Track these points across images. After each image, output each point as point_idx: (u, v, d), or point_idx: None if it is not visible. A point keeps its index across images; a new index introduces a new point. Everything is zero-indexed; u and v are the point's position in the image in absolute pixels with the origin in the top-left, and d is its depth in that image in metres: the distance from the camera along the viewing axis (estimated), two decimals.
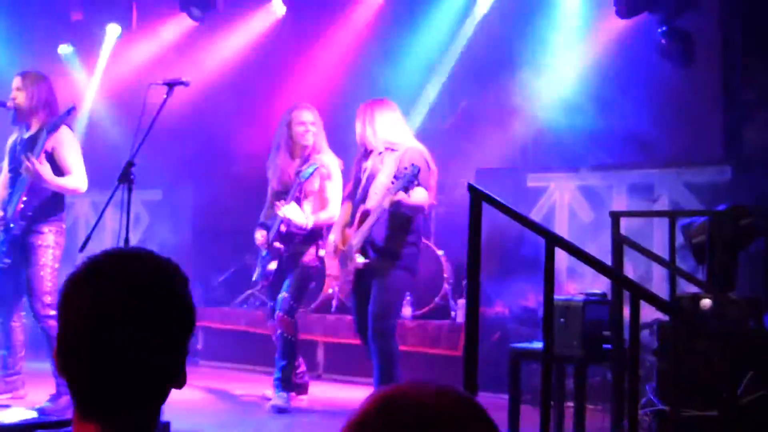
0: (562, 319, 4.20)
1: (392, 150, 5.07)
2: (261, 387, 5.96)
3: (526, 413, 4.23)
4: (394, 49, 7.60)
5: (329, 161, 5.55)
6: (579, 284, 6.17)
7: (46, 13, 8.45)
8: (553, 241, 2.91)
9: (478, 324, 3.08)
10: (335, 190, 5.53)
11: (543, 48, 6.97)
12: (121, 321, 1.36)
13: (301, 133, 5.49)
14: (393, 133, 5.11)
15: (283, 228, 5.48)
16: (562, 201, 6.82)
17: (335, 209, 5.48)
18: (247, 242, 6.20)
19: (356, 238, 5.03)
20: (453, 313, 6.81)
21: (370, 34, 7.81)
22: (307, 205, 5.54)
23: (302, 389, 5.82)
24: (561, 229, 6.52)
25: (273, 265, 5.59)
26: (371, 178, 5.12)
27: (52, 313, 5.18)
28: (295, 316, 5.52)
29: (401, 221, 5.00)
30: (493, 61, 7.19)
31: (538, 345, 4.42)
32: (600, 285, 5.08)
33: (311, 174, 5.36)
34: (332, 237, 5.50)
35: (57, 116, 5.23)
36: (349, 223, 5.25)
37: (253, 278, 5.91)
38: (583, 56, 6.85)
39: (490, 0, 7.38)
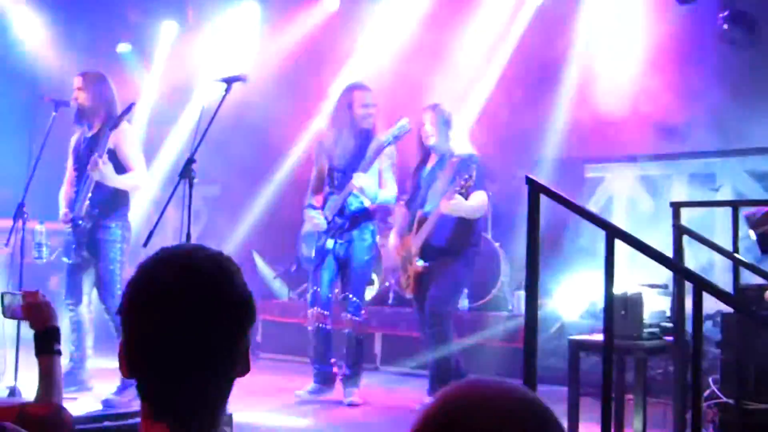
0: (623, 311, 4.15)
1: (452, 156, 5.18)
2: None
3: (585, 405, 4.19)
4: (446, 41, 7.56)
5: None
6: (639, 275, 6.07)
7: (104, 14, 8.62)
8: (614, 232, 2.87)
9: (537, 316, 3.06)
10: (393, 174, 5.46)
11: (601, 37, 6.88)
12: (186, 318, 1.39)
13: (363, 115, 5.38)
14: (453, 140, 5.27)
15: (350, 204, 5.35)
16: (621, 191, 6.73)
17: (394, 191, 5.44)
18: None
19: (416, 243, 5.18)
20: (510, 305, 6.80)
21: (422, 27, 7.77)
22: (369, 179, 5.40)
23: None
24: (619, 219, 6.44)
25: (330, 244, 5.42)
26: (430, 183, 5.26)
27: None
28: (362, 314, 5.44)
29: (462, 224, 5.12)
30: (550, 51, 7.11)
31: (598, 337, 4.38)
32: (661, 276, 5.01)
33: (397, 137, 5.20)
34: (391, 241, 5.57)
35: (117, 114, 5.34)
36: (408, 229, 5.37)
37: (304, 258, 5.68)
38: (642, 44, 6.73)
39: None
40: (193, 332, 1.39)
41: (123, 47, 9.18)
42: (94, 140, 5.39)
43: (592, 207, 6.47)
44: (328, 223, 5.35)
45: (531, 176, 3.07)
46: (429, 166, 5.34)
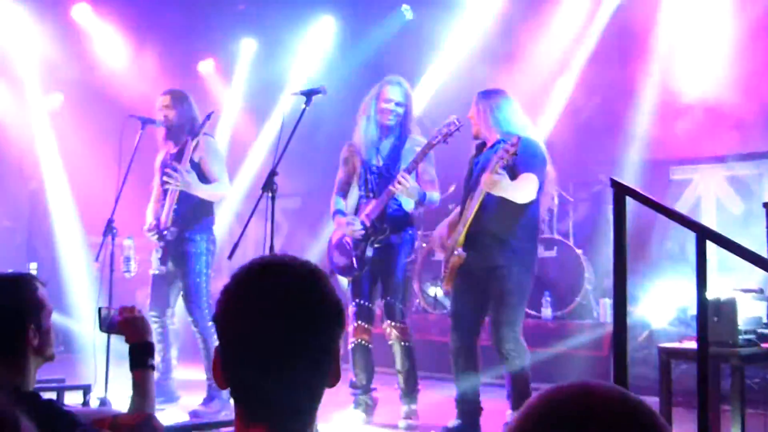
0: (715, 317, 4.00)
1: (506, 141, 4.41)
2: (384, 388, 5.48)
3: (677, 416, 4.06)
4: (524, 44, 7.48)
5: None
6: (732, 279, 5.86)
7: (185, 32, 8.82)
8: (705, 234, 2.77)
9: (627, 323, 2.97)
10: (433, 174, 5.04)
11: (684, 33, 6.69)
12: (281, 323, 1.41)
13: (383, 110, 5.01)
14: (509, 124, 4.59)
15: (389, 207, 4.94)
16: (709, 193, 6.52)
17: (438, 192, 5.05)
18: None
19: (459, 230, 4.54)
20: (595, 313, 6.65)
21: (497, 31, 7.71)
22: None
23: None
24: (708, 222, 6.24)
25: (369, 252, 4.97)
26: (483, 168, 4.55)
27: (208, 317, 5.39)
28: (406, 321, 5.03)
29: (509, 207, 4.42)
30: (629, 52, 6.96)
31: (690, 344, 4.23)
32: (754, 280, 4.83)
33: (447, 135, 4.71)
34: (437, 232, 5.00)
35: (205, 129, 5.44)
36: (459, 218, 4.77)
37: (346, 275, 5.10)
38: (728, 39, 6.51)
39: None
40: (288, 337, 1.41)
41: (204, 65, 9.38)
42: (179, 155, 5.47)
43: (680, 210, 6.27)
44: (367, 228, 4.95)
45: (615, 178, 2.98)
46: (482, 155, 4.68)
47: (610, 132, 7.09)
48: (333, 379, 1.48)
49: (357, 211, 5.07)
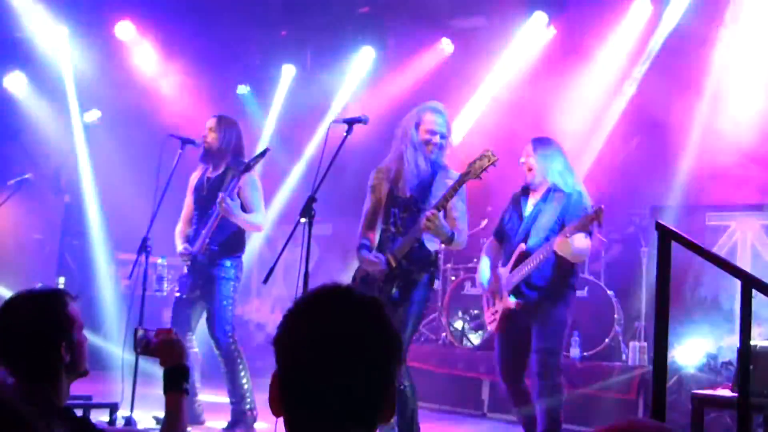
0: (750, 366, 3.95)
1: (557, 191, 4.86)
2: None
3: None
4: (564, 84, 7.50)
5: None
6: (764, 329, 5.80)
7: (226, 56, 8.93)
8: (750, 283, 2.74)
9: (666, 366, 2.94)
10: (463, 209, 4.73)
11: (727, 78, 6.67)
12: (342, 354, 1.43)
13: (425, 141, 4.68)
14: (561, 174, 4.89)
15: (418, 242, 4.59)
16: (745, 240, 6.46)
17: (464, 236, 4.73)
18: None
19: (513, 278, 4.86)
20: (624, 356, 6.58)
21: (539, 70, 7.74)
22: None
23: None
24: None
25: (396, 293, 4.64)
26: (534, 218, 4.91)
27: (233, 341, 5.40)
28: (404, 360, 4.57)
29: (565, 265, 4.82)
30: (672, 93, 6.94)
31: (723, 392, 4.18)
32: None
33: (480, 171, 4.42)
34: (484, 275, 5.14)
35: (248, 157, 5.50)
36: (504, 263, 5.00)
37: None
38: (762, 84, 6.47)
39: (664, 33, 7.16)
40: (348, 367, 1.42)
41: (242, 89, 9.49)
42: (220, 181, 5.55)
43: None
44: (393, 269, 4.60)
45: (661, 222, 2.96)
46: (532, 199, 4.97)
47: (647, 173, 7.06)
48: (388, 413, 1.48)
49: (380, 246, 4.77)
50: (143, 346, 2.56)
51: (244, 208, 5.51)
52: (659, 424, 1.09)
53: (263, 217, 5.67)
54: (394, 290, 4.61)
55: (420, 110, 4.74)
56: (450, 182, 4.59)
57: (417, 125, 4.68)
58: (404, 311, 4.57)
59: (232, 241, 5.55)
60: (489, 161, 4.39)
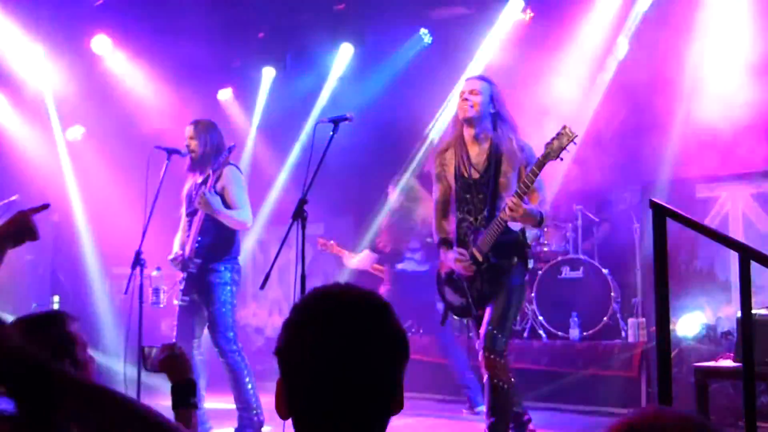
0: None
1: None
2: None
3: None
4: (546, 67, 7.49)
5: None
6: (761, 297, 5.83)
7: (205, 63, 8.88)
8: (748, 254, 2.75)
9: (670, 342, 2.94)
10: (542, 183, 4.44)
11: (708, 50, 6.67)
12: (345, 354, 1.42)
13: (460, 107, 4.53)
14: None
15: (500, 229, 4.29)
16: (736, 211, 6.49)
17: (548, 204, 4.51)
18: None
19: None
20: (623, 333, 6.61)
21: (519, 55, 7.72)
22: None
23: None
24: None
25: (487, 289, 4.43)
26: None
27: (235, 347, 5.38)
28: (506, 355, 4.36)
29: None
30: (654, 67, 6.95)
31: (725, 363, 4.21)
32: None
33: (561, 151, 4.04)
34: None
35: (233, 155, 5.46)
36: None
37: (459, 314, 4.64)
38: (752, 54, 6.46)
39: (645, 3, 7.16)
40: (352, 368, 1.42)
41: (224, 94, 9.46)
42: (204, 184, 5.50)
43: None
44: (480, 264, 4.40)
45: (655, 200, 2.96)
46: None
47: (634, 150, 7.07)
48: (397, 407, 1.48)
49: (459, 239, 4.51)
50: (151, 364, 2.56)
51: (229, 207, 5.46)
52: (685, 414, 1.10)
53: (248, 214, 5.55)
54: (484, 286, 4.40)
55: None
56: (519, 153, 4.38)
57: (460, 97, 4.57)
58: (501, 303, 4.33)
59: (222, 243, 5.50)
60: (568, 139, 4.01)
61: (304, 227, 4.20)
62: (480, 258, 4.40)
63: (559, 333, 6.77)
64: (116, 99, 8.92)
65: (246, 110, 9.52)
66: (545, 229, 7.33)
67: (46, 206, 2.77)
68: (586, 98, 7.48)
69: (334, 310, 1.45)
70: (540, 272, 7.04)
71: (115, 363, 7.47)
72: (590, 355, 6.45)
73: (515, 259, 4.39)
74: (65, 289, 9.01)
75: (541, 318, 6.91)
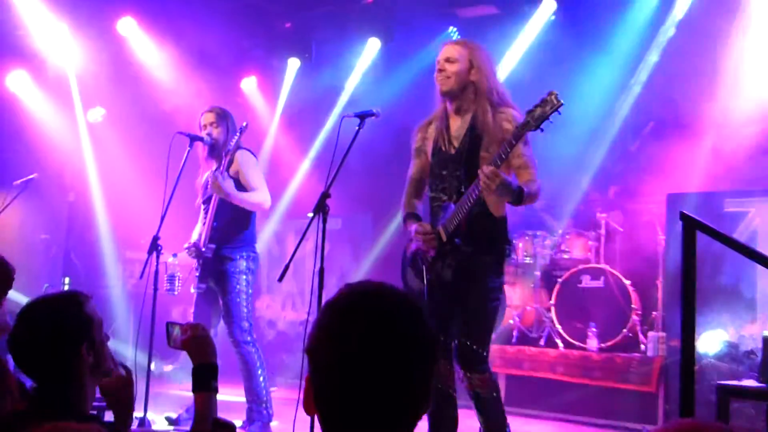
0: None
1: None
2: None
3: None
4: (575, 70, 7.44)
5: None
6: None
7: (229, 51, 8.89)
8: None
9: (694, 358, 2.92)
10: (529, 155, 4.05)
11: (736, 61, 6.62)
12: (379, 355, 1.41)
13: (436, 75, 4.14)
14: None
15: (474, 212, 3.88)
16: (765, 226, 6.42)
17: (537, 185, 3.97)
18: None
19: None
20: (642, 347, 6.56)
21: (549, 57, 7.68)
22: None
23: None
24: None
25: (447, 275, 4.00)
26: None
27: (249, 338, 5.38)
28: (488, 369, 3.93)
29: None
30: (684, 78, 6.89)
31: (749, 383, 4.16)
32: None
33: (543, 121, 3.61)
34: None
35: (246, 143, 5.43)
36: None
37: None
38: None
39: (679, 13, 7.09)
40: (385, 371, 1.41)
41: (247, 83, 9.46)
42: (217, 170, 5.46)
43: None
44: (443, 244, 3.97)
45: (686, 213, 2.93)
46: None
47: (662, 160, 7.02)
48: (425, 406, 1.47)
49: (432, 220, 4.10)
50: (174, 341, 2.57)
51: (245, 190, 5.42)
52: (725, 426, 1.09)
53: (264, 194, 5.47)
54: (446, 271, 3.96)
55: None
56: (508, 125, 3.91)
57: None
58: (474, 306, 3.89)
59: (237, 229, 5.46)
60: (552, 107, 3.56)
61: (325, 221, 4.14)
62: (444, 237, 3.95)
63: (577, 343, 6.73)
64: (138, 82, 8.94)
65: (269, 100, 9.50)
66: (567, 236, 7.31)
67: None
68: (614, 105, 7.44)
69: (369, 311, 1.45)
70: (560, 280, 6.99)
71: (125, 348, 7.51)
72: (607, 367, 6.39)
73: (492, 255, 3.96)
74: (77, 270, 9.06)
75: (559, 326, 6.87)
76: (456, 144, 4.07)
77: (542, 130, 3.61)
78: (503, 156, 3.71)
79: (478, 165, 3.84)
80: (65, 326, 2.37)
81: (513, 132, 3.71)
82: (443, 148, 4.11)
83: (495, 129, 3.96)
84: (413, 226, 4.09)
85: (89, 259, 9.08)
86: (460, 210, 3.89)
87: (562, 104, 3.54)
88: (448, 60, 4.08)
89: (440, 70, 4.10)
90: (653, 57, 7.27)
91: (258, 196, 5.45)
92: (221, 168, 5.36)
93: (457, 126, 4.11)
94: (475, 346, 3.86)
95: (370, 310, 1.44)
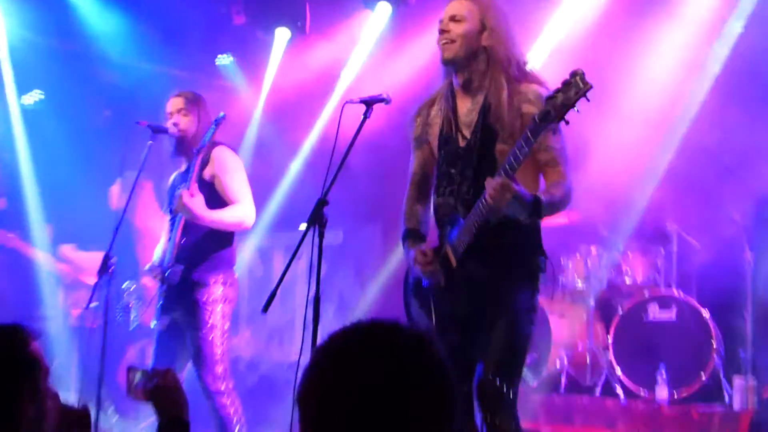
0: None
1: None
2: None
3: None
4: (636, 46, 7.47)
5: None
6: None
7: (201, 20, 8.90)
8: None
9: None
10: (558, 149, 3.96)
11: None
12: (385, 409, 1.47)
13: (437, 40, 4.05)
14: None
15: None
16: None
17: (565, 187, 3.91)
18: None
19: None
20: (726, 396, 6.52)
21: (604, 27, 7.68)
22: None
23: None
24: None
25: (463, 307, 3.95)
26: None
27: (224, 387, 5.34)
28: (514, 414, 3.87)
29: None
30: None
31: None
32: None
33: (565, 108, 3.42)
34: None
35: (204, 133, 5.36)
36: None
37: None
38: None
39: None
40: (389, 426, 1.47)
41: (223, 59, 9.52)
42: (188, 172, 5.44)
43: None
44: (452, 271, 3.93)
45: None
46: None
47: (749, 157, 7.00)
48: None
49: (440, 230, 4.07)
50: (135, 390, 2.57)
51: (225, 201, 5.40)
52: None
53: (248, 208, 5.44)
54: (459, 302, 3.90)
55: None
56: (530, 108, 3.79)
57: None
58: (503, 334, 3.81)
59: (211, 247, 5.42)
60: (577, 92, 3.36)
61: (321, 235, 4.09)
62: (453, 262, 3.90)
63: (642, 392, 6.70)
64: (86, 58, 8.97)
65: (251, 82, 9.55)
66: (629, 254, 7.29)
67: None
68: (688, 90, 7.42)
69: (371, 358, 1.50)
70: (620, 311, 6.98)
71: (66, 395, 7.50)
72: (682, 424, 6.35)
73: (520, 272, 3.88)
74: (6, 295, 9.06)
75: (619, 371, 6.84)
76: (467, 133, 3.98)
77: (567, 122, 3.44)
78: (516, 161, 3.54)
79: (495, 163, 3.78)
80: (4, 366, 2.36)
81: (530, 125, 3.50)
82: (450, 138, 4.02)
83: (512, 114, 3.85)
84: (412, 253, 4.01)
85: (22, 282, 9.06)
86: (470, 227, 3.80)
87: (590, 87, 3.35)
88: (453, 19, 3.98)
89: (442, 31, 3.99)
90: (737, 22, 7.26)
91: (238, 211, 5.43)
92: (191, 174, 5.32)
93: (467, 108, 4.02)
94: (500, 384, 3.77)
95: (373, 357, 1.49)
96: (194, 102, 5.57)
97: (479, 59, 3.97)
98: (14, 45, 8.90)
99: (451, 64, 4.02)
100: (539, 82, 3.92)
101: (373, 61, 8.75)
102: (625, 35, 7.52)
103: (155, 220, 6.87)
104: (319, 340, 3.97)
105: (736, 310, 6.85)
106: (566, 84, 3.37)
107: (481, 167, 3.85)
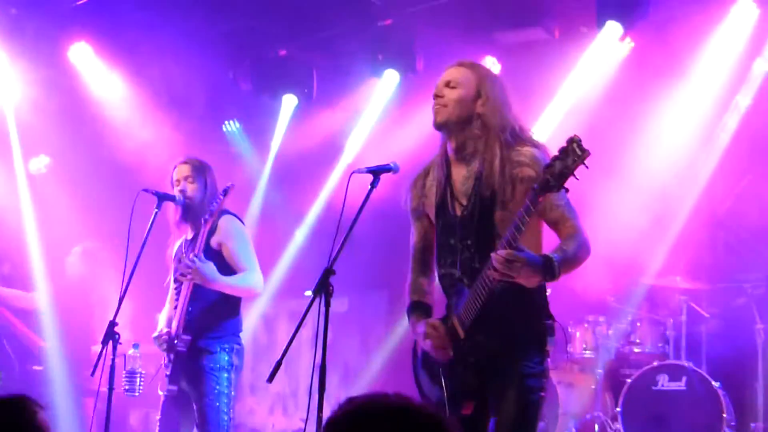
0: None
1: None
2: None
3: None
4: (645, 112, 7.54)
5: None
6: None
7: (207, 85, 8.97)
8: None
9: None
10: (564, 206, 3.93)
11: None
12: None
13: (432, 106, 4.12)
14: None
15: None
16: None
17: (579, 239, 3.89)
18: None
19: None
20: None
21: (613, 94, 7.77)
22: None
23: None
24: None
25: (473, 380, 3.94)
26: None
27: None
28: None
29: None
30: None
31: None
32: None
33: (566, 174, 3.39)
34: None
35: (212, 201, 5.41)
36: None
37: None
38: None
39: None
40: None
41: (230, 125, 9.60)
42: (195, 240, 5.49)
43: None
44: (461, 345, 3.91)
45: None
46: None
47: (761, 226, 7.05)
48: None
49: (446, 296, 4.07)
50: None
51: (232, 269, 5.47)
52: None
53: (257, 276, 5.52)
54: (468, 374, 3.87)
55: None
56: (527, 170, 3.81)
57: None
58: (511, 411, 3.80)
59: (218, 316, 5.48)
60: (575, 159, 3.34)
61: (328, 304, 4.13)
62: (461, 333, 3.87)
63: None
64: (93, 124, 9.00)
65: (257, 149, 9.61)
66: (637, 323, 7.31)
67: None
68: (699, 155, 7.49)
69: None
70: (629, 381, 6.97)
71: None
72: None
73: (525, 331, 3.87)
74: (10, 362, 9.04)
75: None
76: (463, 201, 3.98)
77: (567, 189, 3.43)
78: (518, 231, 3.52)
79: (494, 231, 3.81)
80: None
81: (529, 195, 3.50)
82: (447, 208, 4.03)
83: (504, 180, 3.86)
84: (420, 328, 3.99)
85: (26, 349, 9.06)
86: (476, 297, 3.78)
87: (588, 154, 3.33)
88: (448, 85, 4.05)
89: (436, 96, 4.05)
90: (747, 91, 7.35)
91: (248, 279, 5.50)
92: (199, 242, 5.38)
93: (463, 176, 4.03)
94: None
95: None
96: (201, 169, 5.65)
97: (473, 125, 3.99)
98: (20, 108, 8.97)
99: (443, 128, 4.07)
100: (535, 146, 3.95)
101: (380, 129, 8.81)
102: (635, 102, 7.60)
103: (110, 287, 6.94)
104: (324, 409, 4.03)
105: (747, 382, 6.85)
106: (563, 151, 3.36)
107: (480, 236, 3.88)
